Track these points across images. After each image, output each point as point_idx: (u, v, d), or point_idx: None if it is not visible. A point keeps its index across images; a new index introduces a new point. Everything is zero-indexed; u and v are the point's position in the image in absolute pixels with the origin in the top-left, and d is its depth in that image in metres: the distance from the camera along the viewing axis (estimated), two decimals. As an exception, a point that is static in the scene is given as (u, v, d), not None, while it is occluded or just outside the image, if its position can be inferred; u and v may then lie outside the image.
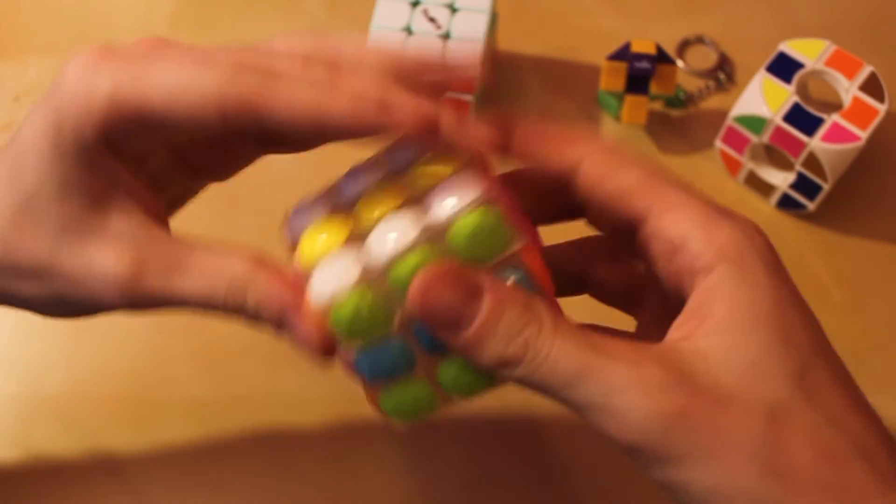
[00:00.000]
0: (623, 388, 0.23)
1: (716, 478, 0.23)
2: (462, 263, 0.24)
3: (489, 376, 0.25)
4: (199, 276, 0.26)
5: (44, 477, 0.39)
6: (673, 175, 0.26)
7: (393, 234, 0.24)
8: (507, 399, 0.41)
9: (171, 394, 0.41)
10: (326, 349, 0.25)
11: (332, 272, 0.25)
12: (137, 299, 0.27)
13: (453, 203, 0.24)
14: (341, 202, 0.27)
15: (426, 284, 0.24)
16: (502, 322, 0.23)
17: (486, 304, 0.23)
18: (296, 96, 0.24)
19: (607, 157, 0.26)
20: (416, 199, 0.25)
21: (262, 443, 0.40)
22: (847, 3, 0.54)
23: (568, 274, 0.31)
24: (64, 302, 0.28)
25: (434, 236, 0.24)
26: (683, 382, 0.23)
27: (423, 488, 0.39)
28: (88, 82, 0.25)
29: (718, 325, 0.24)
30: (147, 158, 0.29)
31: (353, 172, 0.27)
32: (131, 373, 0.41)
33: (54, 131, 0.26)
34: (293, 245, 0.27)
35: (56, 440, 0.40)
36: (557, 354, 0.23)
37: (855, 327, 0.43)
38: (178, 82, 0.25)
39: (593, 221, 0.29)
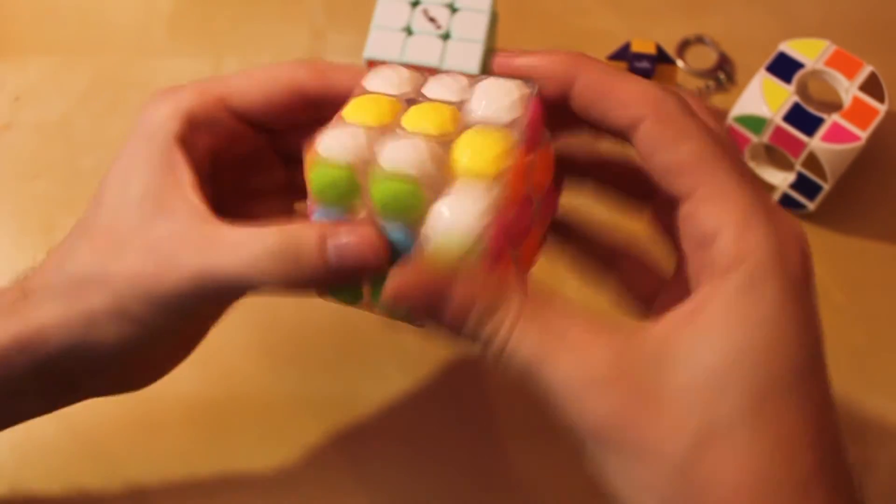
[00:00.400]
0: (565, 382, 0.23)
1: (633, 471, 0.23)
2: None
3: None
4: (253, 245, 0.27)
5: (42, 478, 0.39)
6: (733, 154, 0.25)
7: (405, 157, 0.25)
8: (509, 398, 0.41)
9: (171, 394, 0.41)
10: (378, 256, 0.26)
11: (345, 138, 0.26)
12: (187, 279, 0.27)
13: (451, 220, 0.25)
14: (418, 91, 0.28)
15: (399, 287, 0.25)
16: (471, 317, 0.24)
17: (455, 299, 0.24)
18: (355, 69, 0.30)
19: (668, 123, 0.25)
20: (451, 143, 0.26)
21: (261, 443, 0.40)
22: (847, 3, 0.54)
23: (601, 253, 0.32)
24: (125, 310, 0.28)
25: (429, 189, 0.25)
26: (625, 379, 0.23)
27: (425, 487, 0.39)
28: (173, 93, 0.30)
29: (700, 328, 0.23)
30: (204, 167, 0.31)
31: (446, 77, 0.28)
32: (131, 373, 0.41)
33: (147, 139, 0.29)
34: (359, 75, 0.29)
35: (55, 441, 0.40)
36: (515, 344, 0.24)
37: (855, 327, 0.43)
38: (253, 72, 0.30)
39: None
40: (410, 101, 0.27)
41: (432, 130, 0.26)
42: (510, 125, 0.26)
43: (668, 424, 0.23)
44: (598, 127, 0.27)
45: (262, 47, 0.53)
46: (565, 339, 0.24)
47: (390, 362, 0.42)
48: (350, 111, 0.27)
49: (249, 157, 0.32)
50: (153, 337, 0.30)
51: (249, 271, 0.26)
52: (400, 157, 0.25)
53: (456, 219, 0.24)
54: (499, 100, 0.26)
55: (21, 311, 0.29)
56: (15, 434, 0.40)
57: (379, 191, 0.25)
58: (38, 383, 0.31)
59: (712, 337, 0.23)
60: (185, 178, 0.29)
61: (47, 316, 0.29)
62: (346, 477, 0.39)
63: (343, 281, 0.27)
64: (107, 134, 0.49)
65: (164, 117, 0.29)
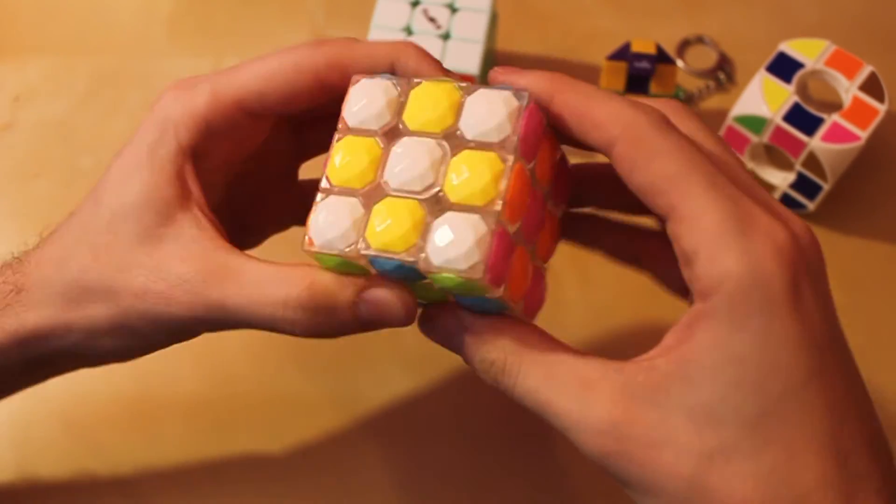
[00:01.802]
0: (569, 426, 0.25)
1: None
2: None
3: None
4: (265, 286, 0.27)
5: (43, 478, 0.39)
6: (708, 167, 0.25)
7: (391, 228, 0.26)
8: (510, 399, 0.41)
9: (172, 394, 0.41)
10: (409, 316, 0.27)
11: (333, 221, 0.26)
12: (201, 307, 0.27)
13: (446, 256, 0.25)
14: (399, 116, 0.27)
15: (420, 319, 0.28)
16: (478, 356, 0.27)
17: (466, 343, 0.27)
18: (374, 47, 0.28)
19: (640, 141, 0.25)
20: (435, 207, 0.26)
21: (261, 441, 0.40)
22: (847, 2, 0.54)
23: (624, 252, 0.32)
24: (129, 325, 0.28)
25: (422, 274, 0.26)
26: (625, 421, 0.24)
27: (424, 488, 0.39)
28: (187, 92, 0.29)
29: (691, 366, 0.24)
30: (213, 186, 0.30)
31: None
32: (131, 373, 0.41)
33: (153, 141, 0.29)
34: (343, 124, 0.28)
35: (56, 441, 0.40)
36: (521, 389, 0.26)
37: (855, 327, 0.43)
38: (269, 65, 0.29)
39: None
40: (390, 134, 0.27)
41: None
42: (501, 145, 0.26)
43: (669, 458, 0.24)
44: (581, 147, 0.27)
45: (262, 47, 0.52)
46: (565, 386, 0.25)
47: (391, 362, 0.42)
48: (335, 170, 0.27)
49: (259, 147, 0.32)
50: (151, 348, 0.30)
51: (274, 315, 0.27)
52: (387, 229, 0.26)
53: (453, 250, 0.25)
54: (488, 120, 0.26)
55: (16, 308, 0.29)
56: (14, 431, 0.40)
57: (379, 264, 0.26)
58: (27, 372, 0.31)
59: (704, 374, 0.24)
60: (193, 192, 0.29)
61: (46, 320, 0.29)
62: (345, 476, 0.39)
63: (366, 330, 0.28)
64: (106, 134, 0.49)
65: (176, 122, 0.29)
